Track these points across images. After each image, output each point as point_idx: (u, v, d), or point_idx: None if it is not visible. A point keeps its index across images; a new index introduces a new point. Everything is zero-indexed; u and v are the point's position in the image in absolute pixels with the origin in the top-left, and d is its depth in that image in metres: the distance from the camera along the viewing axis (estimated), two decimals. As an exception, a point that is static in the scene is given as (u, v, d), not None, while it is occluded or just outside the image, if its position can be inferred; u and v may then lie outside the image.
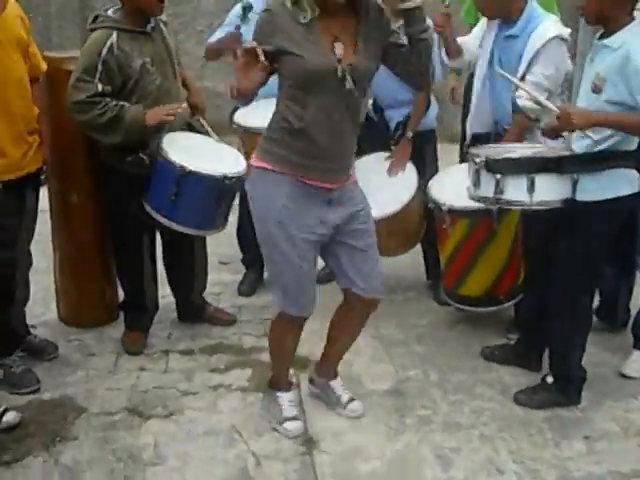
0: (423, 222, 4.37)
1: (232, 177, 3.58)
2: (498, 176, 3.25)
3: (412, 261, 4.75)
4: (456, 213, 3.91)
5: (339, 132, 2.92)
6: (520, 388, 3.60)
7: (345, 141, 2.98)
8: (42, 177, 3.71)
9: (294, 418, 3.34)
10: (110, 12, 3.61)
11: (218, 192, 3.64)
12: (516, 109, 3.69)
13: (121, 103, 3.52)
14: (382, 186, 4.18)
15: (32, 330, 3.92)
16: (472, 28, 4.26)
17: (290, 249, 2.97)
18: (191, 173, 3.52)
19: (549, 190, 3.24)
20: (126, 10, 3.58)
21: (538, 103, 3.33)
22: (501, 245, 3.94)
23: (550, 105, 3.22)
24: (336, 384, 3.50)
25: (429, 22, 3.12)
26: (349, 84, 2.83)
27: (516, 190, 3.25)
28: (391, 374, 3.78)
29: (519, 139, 3.71)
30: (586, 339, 3.51)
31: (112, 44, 3.49)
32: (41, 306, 4.22)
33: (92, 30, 3.58)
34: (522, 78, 3.63)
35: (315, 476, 3.04)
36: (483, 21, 4.07)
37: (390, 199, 4.14)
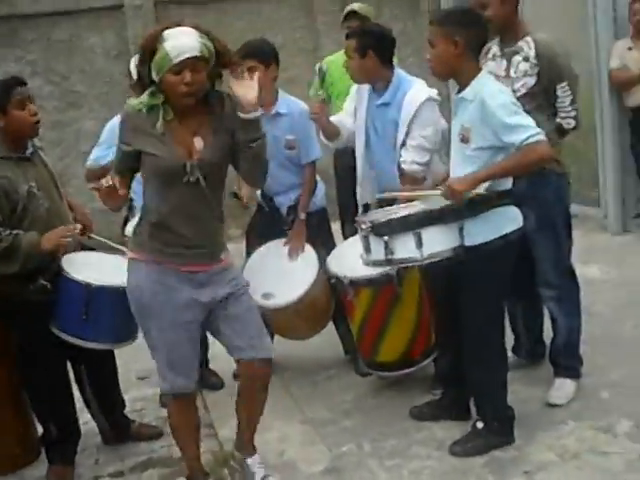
0: (331, 300, 4.41)
1: None
2: (386, 238, 3.33)
3: (327, 339, 4.76)
4: (358, 283, 3.98)
5: (199, 221, 3.13)
6: (454, 440, 3.62)
7: (208, 228, 3.18)
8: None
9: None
10: None
11: (127, 302, 3.61)
12: (402, 173, 3.84)
13: (15, 232, 3.48)
14: (284, 272, 4.23)
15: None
16: None
17: (161, 332, 3.15)
18: (99, 288, 3.52)
19: (437, 241, 3.33)
20: (3, 138, 3.57)
21: (419, 197, 3.50)
22: (408, 307, 4.01)
23: (430, 192, 3.40)
24: (252, 461, 3.50)
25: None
26: (194, 178, 3.04)
27: (405, 248, 3.33)
28: (325, 454, 3.74)
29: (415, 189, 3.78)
30: (506, 377, 3.56)
31: None
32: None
33: None
34: (403, 144, 3.79)
35: None
36: (352, 94, 4.24)
37: (294, 283, 4.19)
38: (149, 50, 2.93)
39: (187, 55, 2.89)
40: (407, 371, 4.13)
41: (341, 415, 4.12)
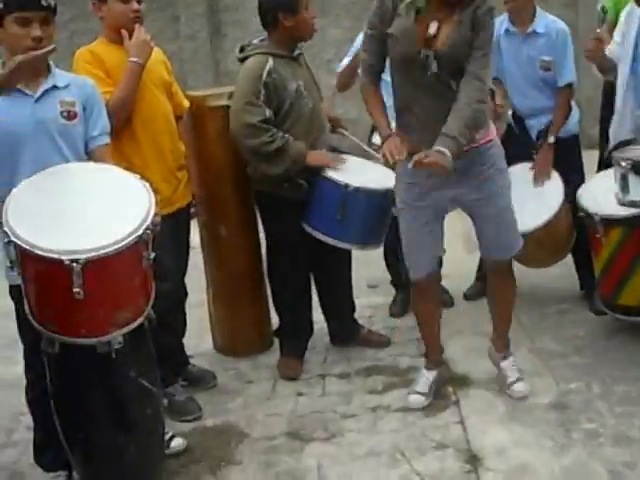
0: (572, 231, 4.26)
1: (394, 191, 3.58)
2: None
3: (563, 272, 4.61)
4: (609, 222, 3.79)
5: (440, 110, 3.13)
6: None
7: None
8: (192, 211, 3.84)
9: (419, 393, 3.57)
10: (256, 42, 3.74)
11: (382, 206, 3.69)
12: None
13: (287, 136, 3.61)
14: (529, 197, 4.09)
15: (190, 360, 4.03)
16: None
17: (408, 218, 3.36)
18: (357, 190, 3.59)
19: None
20: (276, 38, 3.69)
21: None
22: (659, 252, 3.76)
23: None
24: (506, 364, 3.63)
25: None
26: (430, 70, 3.08)
27: None
28: (552, 387, 3.66)
29: None
30: None
31: (270, 68, 3.60)
32: (196, 338, 4.31)
33: (244, 59, 3.71)
34: None
35: (483, 495, 2.96)
36: (620, 22, 3.94)
37: (538, 210, 4.07)
38: None
39: None
40: (647, 319, 3.91)
41: (571, 350, 4.00)
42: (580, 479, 3.01)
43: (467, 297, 4.70)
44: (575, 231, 4.26)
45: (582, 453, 3.15)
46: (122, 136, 3.36)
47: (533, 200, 4.11)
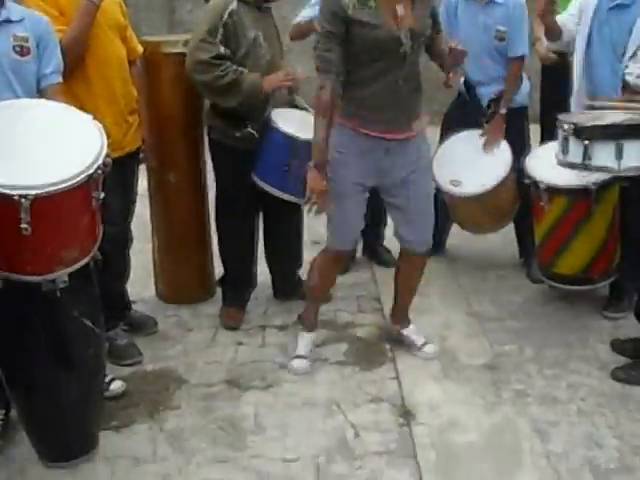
0: (516, 200, 4.36)
1: None
2: (586, 142, 3.24)
3: (504, 239, 4.73)
4: (554, 191, 3.88)
5: (400, 90, 3.23)
6: (618, 365, 3.55)
7: (407, 97, 3.27)
8: (140, 156, 3.82)
9: (303, 357, 3.62)
10: None
11: None
12: (625, 86, 3.63)
13: (240, 69, 3.61)
14: (476, 163, 4.18)
15: (133, 306, 4.04)
16: None
17: (341, 191, 3.31)
18: (304, 142, 3.56)
19: (638, 156, 3.21)
20: None
21: (630, 109, 3.37)
22: (598, 225, 3.88)
23: (617, 103, 3.33)
24: (409, 331, 3.75)
25: None
26: (408, 48, 3.15)
27: (604, 156, 3.24)
28: (486, 349, 3.77)
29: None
30: None
31: (232, 10, 3.60)
32: (139, 284, 4.31)
33: None
34: (633, 55, 3.56)
35: (414, 447, 3.05)
36: None
37: (485, 175, 4.14)
38: None
39: None
40: (582, 288, 4.05)
41: (507, 315, 4.13)
42: (507, 435, 3.13)
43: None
44: (519, 199, 4.35)
45: (510, 411, 3.27)
46: (74, 77, 3.30)
47: (481, 166, 4.19)
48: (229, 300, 4.11)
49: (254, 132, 3.73)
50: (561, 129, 3.38)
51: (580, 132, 3.28)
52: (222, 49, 3.58)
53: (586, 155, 3.26)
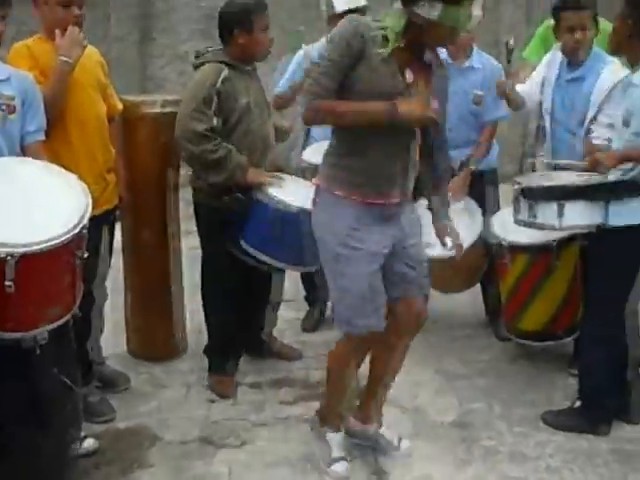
0: (485, 260, 4.45)
1: None
2: (531, 202, 3.51)
3: (470, 298, 4.82)
4: (516, 249, 4.02)
5: (399, 159, 3.10)
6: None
7: (405, 166, 3.13)
8: (117, 214, 3.86)
9: (343, 458, 3.31)
10: (211, 50, 3.78)
11: None
12: (588, 147, 3.81)
13: (230, 146, 3.61)
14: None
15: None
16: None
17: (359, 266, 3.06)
18: (297, 210, 3.56)
19: (578, 215, 3.43)
20: (228, 51, 3.73)
21: (568, 166, 3.68)
22: (560, 281, 4.00)
23: (578, 163, 3.58)
24: (384, 430, 3.46)
25: None
26: None
27: (547, 215, 3.49)
28: (455, 407, 3.84)
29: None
30: (615, 367, 3.53)
31: (225, 77, 3.63)
32: (111, 340, 4.29)
33: (199, 65, 3.74)
34: (593, 119, 3.76)
35: (387, 504, 3.09)
36: (543, 64, 4.19)
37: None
38: None
39: None
40: (547, 344, 4.15)
41: (475, 373, 4.20)
42: (478, 492, 3.18)
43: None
44: (487, 260, 4.45)
45: (481, 468, 3.33)
46: (55, 135, 3.34)
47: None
48: (217, 368, 4.01)
49: (242, 196, 3.71)
50: (514, 189, 3.64)
51: (526, 192, 3.57)
52: (215, 120, 3.60)
53: (531, 213, 3.54)
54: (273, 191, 3.67)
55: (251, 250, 3.72)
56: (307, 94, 3.02)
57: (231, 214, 3.72)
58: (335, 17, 4.44)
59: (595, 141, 3.72)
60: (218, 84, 3.61)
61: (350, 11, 4.36)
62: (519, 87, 4.18)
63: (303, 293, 4.89)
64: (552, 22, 4.01)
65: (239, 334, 4.06)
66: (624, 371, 3.61)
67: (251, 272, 3.86)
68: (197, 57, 3.80)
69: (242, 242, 3.74)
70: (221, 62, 3.68)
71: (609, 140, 3.57)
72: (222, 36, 3.76)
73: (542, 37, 4.93)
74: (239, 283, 3.91)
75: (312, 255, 3.73)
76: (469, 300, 4.83)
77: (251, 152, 3.74)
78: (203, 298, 4.03)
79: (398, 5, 2.91)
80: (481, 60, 4.47)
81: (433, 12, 2.81)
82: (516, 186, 3.61)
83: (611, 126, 3.59)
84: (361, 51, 2.89)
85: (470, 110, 4.44)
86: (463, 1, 2.81)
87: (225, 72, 3.64)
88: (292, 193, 3.69)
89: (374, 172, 3.04)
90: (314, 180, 3.22)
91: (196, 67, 3.78)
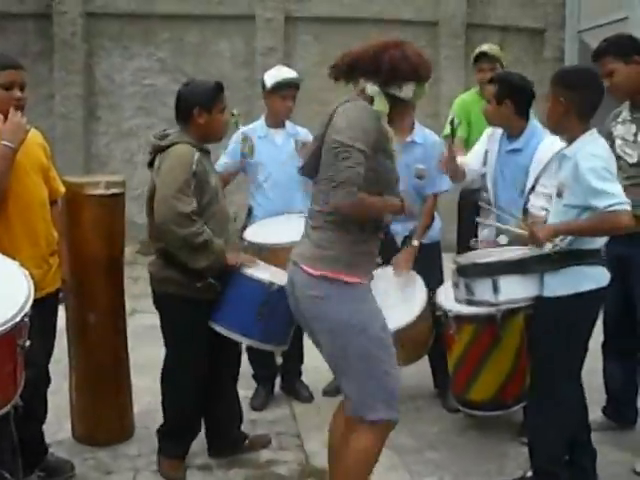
0: (432, 332, 4.47)
1: None
2: (467, 280, 3.59)
3: (418, 370, 4.82)
4: (462, 319, 4.06)
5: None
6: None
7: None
8: (60, 296, 3.81)
9: None
10: (172, 131, 3.73)
11: None
12: (527, 215, 3.95)
13: (209, 230, 3.55)
14: (392, 299, 4.27)
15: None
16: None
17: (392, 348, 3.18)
18: (280, 289, 3.46)
19: (513, 289, 3.52)
20: (192, 131, 3.67)
21: (508, 231, 3.75)
22: (507, 350, 4.03)
23: (519, 230, 3.60)
24: None
25: None
26: None
27: (483, 291, 3.56)
28: (407, 482, 3.81)
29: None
30: (567, 436, 3.52)
31: (198, 158, 3.59)
32: (54, 426, 4.21)
33: (167, 146, 3.63)
34: (532, 189, 3.88)
35: None
36: (484, 137, 4.32)
37: (401, 312, 4.24)
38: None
39: None
40: (496, 413, 4.16)
41: (426, 446, 4.18)
42: None
43: (326, 393, 4.77)
44: (434, 332, 4.47)
45: None
46: (-4, 218, 3.32)
47: (396, 303, 4.28)
48: (169, 452, 3.89)
49: (215, 282, 3.61)
50: (452, 269, 3.74)
51: (462, 270, 3.67)
52: (195, 203, 3.52)
53: (469, 291, 3.61)
54: (253, 271, 3.65)
55: (229, 333, 3.65)
56: (350, 185, 2.91)
57: (200, 301, 3.63)
58: (269, 93, 4.54)
59: (533, 210, 3.83)
60: (194, 165, 3.54)
61: (281, 85, 4.47)
62: (459, 159, 4.30)
63: (250, 371, 4.83)
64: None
65: (197, 418, 3.96)
66: (576, 438, 3.60)
67: (219, 353, 3.80)
68: (161, 139, 3.70)
69: (217, 326, 3.66)
70: (189, 143, 3.63)
71: (547, 210, 3.67)
72: (179, 115, 3.72)
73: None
74: (206, 369, 3.80)
75: (287, 334, 3.73)
76: (417, 372, 4.83)
77: (221, 232, 3.66)
78: (164, 384, 3.88)
79: (374, 88, 3.04)
80: (423, 134, 4.59)
81: (408, 92, 3.02)
82: (453, 265, 3.72)
83: (548, 196, 3.69)
84: (383, 140, 3.07)
85: (413, 184, 4.51)
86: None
87: (197, 154, 3.60)
88: (267, 271, 3.70)
89: (375, 250, 3.23)
90: (311, 270, 3.05)
91: (162, 149, 3.65)
